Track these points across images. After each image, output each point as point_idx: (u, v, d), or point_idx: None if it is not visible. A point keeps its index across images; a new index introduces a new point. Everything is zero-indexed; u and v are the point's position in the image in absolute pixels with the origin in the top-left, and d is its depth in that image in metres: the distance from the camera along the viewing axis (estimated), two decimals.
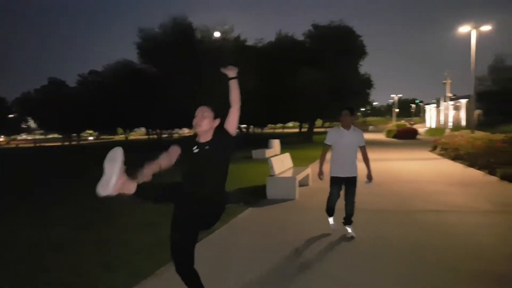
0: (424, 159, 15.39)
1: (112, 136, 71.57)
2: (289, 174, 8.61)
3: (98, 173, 2.54)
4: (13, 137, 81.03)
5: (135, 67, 34.80)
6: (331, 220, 5.49)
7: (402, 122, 69.59)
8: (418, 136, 32.04)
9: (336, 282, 3.78)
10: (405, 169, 12.32)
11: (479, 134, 17.08)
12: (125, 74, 33.55)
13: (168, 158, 2.86)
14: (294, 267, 4.20)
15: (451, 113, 46.96)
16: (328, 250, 4.78)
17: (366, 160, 5.24)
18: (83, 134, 74.86)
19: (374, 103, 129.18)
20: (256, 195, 8.36)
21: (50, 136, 77.06)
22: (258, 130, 52.87)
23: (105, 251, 4.86)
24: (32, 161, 25.79)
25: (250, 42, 33.60)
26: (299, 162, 11.96)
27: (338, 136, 5.18)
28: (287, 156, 9.89)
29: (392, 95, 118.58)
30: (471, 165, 12.25)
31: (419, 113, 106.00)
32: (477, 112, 36.04)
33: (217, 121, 3.01)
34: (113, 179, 2.51)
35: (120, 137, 69.70)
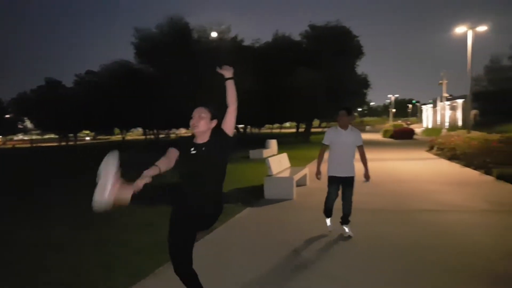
0: (420, 159, 15.46)
1: (109, 137, 71.34)
2: (286, 174, 8.64)
3: (97, 173, 2.56)
4: (9, 137, 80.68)
5: (132, 67, 34.76)
6: (328, 221, 5.52)
7: (399, 122, 69.69)
8: (414, 136, 32.16)
9: (334, 282, 3.81)
10: (402, 169, 12.38)
11: (475, 134, 17.15)
12: (122, 74, 33.51)
13: (167, 160, 2.85)
14: (292, 267, 4.23)
15: (448, 113, 47.13)
16: (325, 249, 4.82)
17: (363, 159, 5.29)
18: (80, 135, 74.62)
19: (371, 103, 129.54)
20: (254, 195, 8.39)
21: (47, 136, 76.71)
22: (255, 130, 52.89)
23: (105, 251, 4.88)
24: (32, 161, 25.69)
25: (247, 42, 33.67)
26: (296, 162, 12.01)
27: (335, 136, 5.22)
28: (284, 156, 9.92)
29: (389, 95, 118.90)
30: (467, 165, 12.33)
31: (416, 113, 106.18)
32: (474, 112, 36.23)
33: (214, 122, 3.01)
34: (109, 185, 2.53)
35: (117, 137, 69.49)
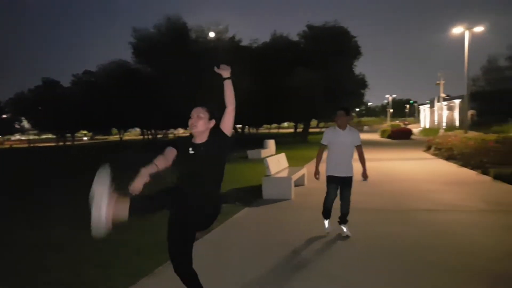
0: (418, 159, 15.52)
1: (106, 137, 71.24)
2: (284, 174, 8.67)
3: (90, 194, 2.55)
4: (7, 137, 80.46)
5: (129, 67, 34.73)
6: (326, 223, 5.49)
7: (397, 122, 69.93)
8: (412, 136, 32.24)
9: (333, 281, 3.83)
10: (400, 169, 12.43)
11: (472, 134, 17.26)
12: (119, 74, 33.47)
13: (165, 159, 2.85)
14: (291, 266, 4.25)
15: (445, 113, 47.27)
16: (324, 249, 4.84)
17: (362, 159, 5.32)
18: (78, 135, 74.47)
19: (369, 104, 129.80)
20: (252, 195, 8.41)
21: (44, 136, 76.56)
22: (253, 130, 52.90)
23: (105, 251, 4.88)
24: (31, 161, 25.65)
25: (245, 43, 33.69)
26: (294, 162, 12.04)
27: (334, 136, 5.24)
28: (282, 156, 9.94)
29: (386, 96, 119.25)
30: (465, 165, 12.38)
31: (414, 114, 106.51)
32: (471, 112, 36.37)
33: (213, 122, 3.00)
34: (104, 208, 2.53)
35: (114, 137, 69.43)
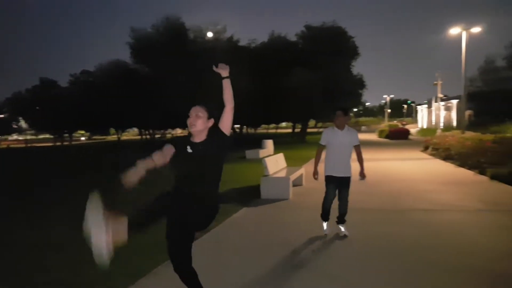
0: (416, 159, 15.57)
1: (104, 137, 71.08)
2: (283, 174, 8.69)
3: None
4: (4, 137, 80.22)
5: (127, 67, 34.72)
6: (325, 225, 5.48)
7: (394, 122, 70.10)
8: (410, 137, 32.31)
9: (331, 280, 3.85)
10: (398, 169, 12.47)
11: (469, 134, 17.32)
12: (117, 74, 33.47)
13: (162, 155, 2.87)
14: (290, 266, 4.27)
15: (442, 113, 47.40)
16: (322, 248, 4.87)
17: (360, 158, 5.35)
18: (75, 135, 74.32)
19: (367, 104, 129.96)
20: (251, 195, 8.43)
21: (41, 136, 76.36)
22: (251, 131, 52.91)
23: None
24: (31, 161, 25.58)
25: (243, 43, 33.71)
26: (292, 162, 12.06)
27: (332, 136, 5.26)
28: (281, 156, 9.97)
29: (384, 96, 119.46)
30: (462, 165, 12.43)
31: (411, 114, 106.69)
32: (468, 112, 36.46)
33: (212, 121, 3.01)
34: (103, 237, 2.56)
35: (112, 137, 69.26)
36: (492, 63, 41.43)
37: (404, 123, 71.25)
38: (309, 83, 27.12)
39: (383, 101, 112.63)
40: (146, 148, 29.51)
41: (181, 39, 30.26)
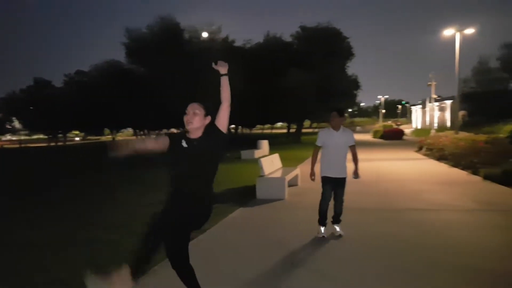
0: (410, 159, 15.67)
1: (99, 137, 70.82)
2: (278, 174, 8.72)
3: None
4: None
5: (122, 67, 34.62)
6: (322, 229, 5.38)
7: (389, 123, 70.29)
8: (404, 137, 32.52)
9: (328, 280, 3.88)
10: (392, 169, 12.54)
11: (463, 135, 17.43)
12: (112, 74, 33.38)
13: (156, 142, 2.93)
14: (286, 266, 4.30)
15: (436, 114, 47.69)
16: (317, 248, 4.89)
17: (355, 158, 5.39)
18: (69, 135, 73.93)
19: (361, 104, 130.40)
20: (246, 195, 8.45)
21: (35, 137, 75.92)
22: (246, 131, 52.94)
23: (105, 251, 4.89)
24: (27, 162, 25.41)
25: (238, 43, 33.75)
26: (288, 163, 12.10)
27: (328, 137, 5.29)
28: (276, 157, 10.00)
29: (379, 96, 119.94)
30: (455, 165, 12.52)
31: (406, 114, 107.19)
32: (462, 113, 36.71)
33: (208, 119, 3.03)
34: None
35: (107, 137, 69.03)
36: (486, 64, 41.80)
37: (398, 123, 71.54)
38: (304, 84, 27.20)
39: (378, 102, 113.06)
40: None
41: (176, 40, 30.23)
